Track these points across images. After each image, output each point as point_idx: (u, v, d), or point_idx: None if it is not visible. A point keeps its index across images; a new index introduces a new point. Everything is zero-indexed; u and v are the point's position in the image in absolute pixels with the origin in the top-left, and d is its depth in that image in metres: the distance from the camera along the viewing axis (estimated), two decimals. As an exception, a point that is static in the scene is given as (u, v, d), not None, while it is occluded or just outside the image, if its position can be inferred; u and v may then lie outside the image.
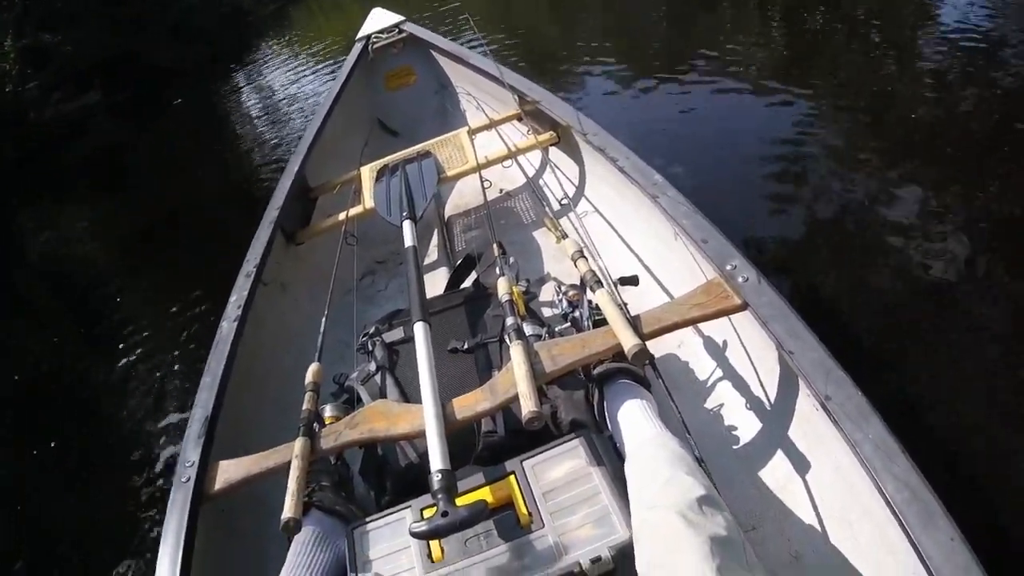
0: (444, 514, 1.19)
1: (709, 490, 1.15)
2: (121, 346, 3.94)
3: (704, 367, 1.90)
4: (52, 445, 3.41)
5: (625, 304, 1.66)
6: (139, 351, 3.86)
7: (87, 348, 4.23)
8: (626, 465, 1.32)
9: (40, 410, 3.76)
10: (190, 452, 1.68)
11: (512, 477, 1.35)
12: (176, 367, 3.56)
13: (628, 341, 1.41)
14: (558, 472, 1.34)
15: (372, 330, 1.98)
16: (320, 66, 8.75)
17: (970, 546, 1.05)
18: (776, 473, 1.58)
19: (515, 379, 1.41)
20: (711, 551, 1.02)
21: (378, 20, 4.00)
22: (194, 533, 1.53)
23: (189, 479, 1.61)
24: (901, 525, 1.11)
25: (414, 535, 1.22)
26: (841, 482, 1.38)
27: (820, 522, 1.42)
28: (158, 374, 3.59)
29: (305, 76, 8.44)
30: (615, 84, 5.16)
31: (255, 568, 1.62)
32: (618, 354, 1.48)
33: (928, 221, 2.76)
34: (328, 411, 1.74)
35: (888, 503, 1.14)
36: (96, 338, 4.27)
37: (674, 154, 3.60)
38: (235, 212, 4.98)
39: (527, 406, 1.31)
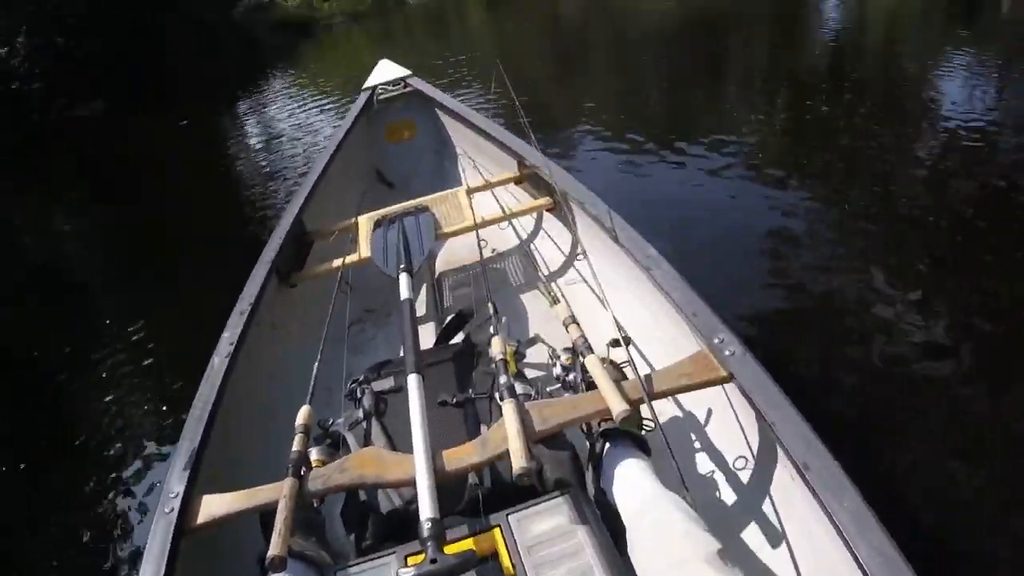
0: (433, 561, 1.22)
1: (724, 546, 1.19)
2: (107, 365, 3.91)
3: (687, 432, 1.95)
4: (33, 460, 3.36)
5: (619, 365, 1.71)
6: (125, 371, 3.84)
7: (73, 358, 4.17)
8: (631, 518, 1.37)
9: (24, 423, 3.71)
10: (175, 483, 1.67)
11: (497, 529, 1.38)
12: (162, 390, 3.54)
13: (616, 406, 1.46)
14: (543, 527, 1.37)
15: (361, 378, 2.00)
16: (322, 103, 8.88)
17: None
18: (751, 536, 1.62)
19: (507, 435, 1.44)
20: None
21: (385, 72, 4.10)
22: (174, 565, 1.52)
23: (172, 510, 1.60)
24: None
25: None
26: (813, 549, 1.42)
27: None
28: (144, 400, 3.58)
29: (307, 111, 8.55)
30: (614, 153, 5.32)
31: None
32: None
33: (909, 307, 2.90)
34: (315, 454, 1.75)
35: (862, 569, 1.18)
36: (81, 347, 4.22)
37: (665, 227, 3.71)
38: (226, 241, 4.99)
39: (518, 462, 1.35)
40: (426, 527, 1.29)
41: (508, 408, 1.50)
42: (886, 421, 2.41)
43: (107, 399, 3.62)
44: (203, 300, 2.41)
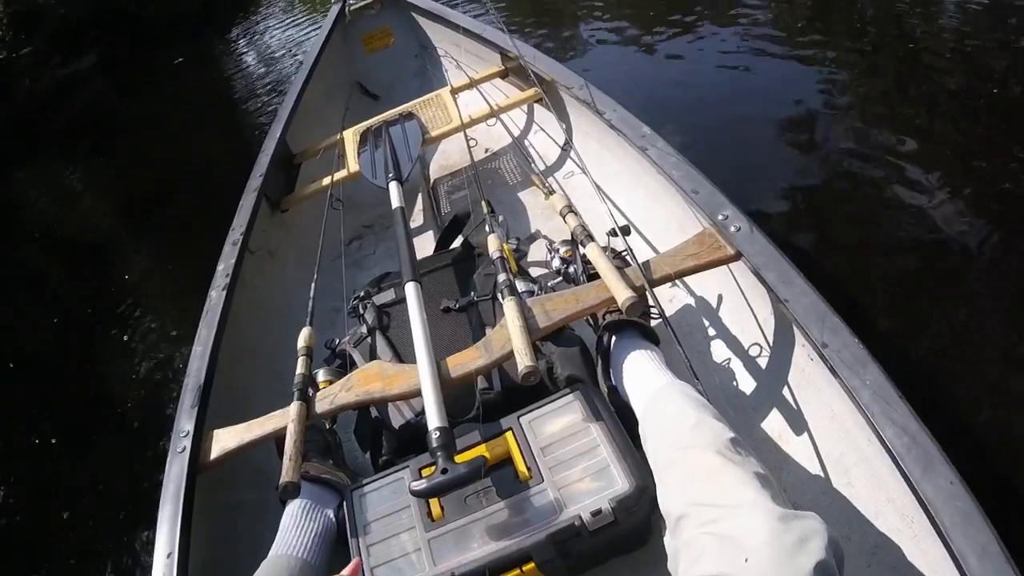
0: (443, 471, 1.19)
1: (738, 433, 1.14)
2: (119, 312, 3.87)
3: (698, 320, 1.90)
4: (50, 411, 3.39)
5: (621, 253, 1.65)
6: (137, 317, 3.80)
7: (85, 314, 4.14)
8: (643, 411, 1.32)
9: (38, 376, 3.72)
10: (184, 422, 1.67)
11: (510, 433, 1.36)
12: (175, 333, 3.52)
13: (621, 294, 1.40)
14: (555, 427, 1.34)
15: (362, 293, 1.97)
16: (321, 17, 8.53)
17: (970, 490, 1.05)
18: (772, 423, 1.58)
19: (509, 335, 1.40)
20: (760, 485, 1.01)
21: None
22: (192, 503, 1.52)
23: (184, 449, 1.61)
24: (900, 470, 1.11)
25: (414, 493, 1.22)
26: (838, 430, 1.38)
27: (817, 471, 1.42)
28: (157, 341, 3.54)
29: (305, 29, 8.21)
30: (610, 34, 4.93)
31: (253, 537, 1.62)
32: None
33: (930, 178, 2.67)
34: (322, 375, 1.74)
35: (887, 448, 1.14)
36: (94, 303, 4.17)
37: (674, 107, 3.51)
38: (233, 173, 4.87)
39: (522, 361, 1.30)
40: (434, 437, 1.26)
41: (509, 306, 1.45)
42: (908, 299, 2.29)
43: (116, 346, 3.61)
44: (213, 231, 2.35)
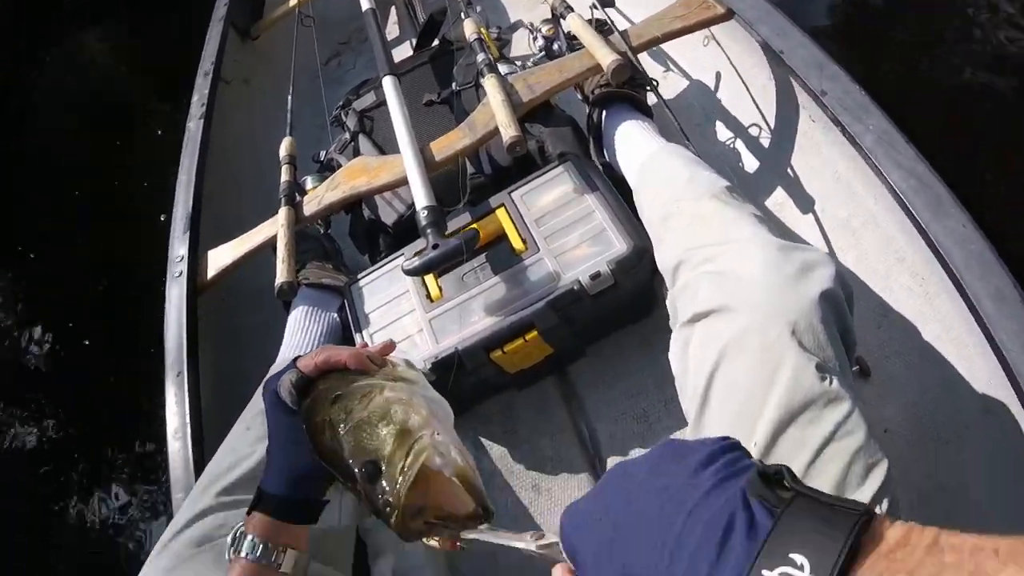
0: (435, 247, 1.17)
1: (733, 182, 1.11)
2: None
3: (692, 92, 1.83)
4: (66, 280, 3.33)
5: (604, 24, 1.56)
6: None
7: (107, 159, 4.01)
8: (636, 179, 1.29)
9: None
10: (178, 248, 1.66)
11: (502, 209, 1.33)
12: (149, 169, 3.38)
13: (605, 58, 1.33)
14: (548, 198, 1.31)
15: (343, 102, 1.91)
16: None
17: (983, 233, 1.02)
18: (777, 195, 1.55)
19: (492, 111, 1.34)
20: (757, 221, 0.98)
21: None
22: (196, 325, 1.53)
23: (181, 273, 1.60)
24: (910, 218, 1.08)
25: (406, 272, 1.21)
26: (843, 191, 1.35)
27: (824, 237, 1.40)
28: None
29: None
30: None
31: (261, 355, 1.64)
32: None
33: None
34: (309, 183, 1.71)
35: (896, 199, 1.11)
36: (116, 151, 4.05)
37: None
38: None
39: (507, 133, 1.25)
40: (422, 216, 1.23)
41: (490, 83, 1.38)
42: (913, 52, 2.17)
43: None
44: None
